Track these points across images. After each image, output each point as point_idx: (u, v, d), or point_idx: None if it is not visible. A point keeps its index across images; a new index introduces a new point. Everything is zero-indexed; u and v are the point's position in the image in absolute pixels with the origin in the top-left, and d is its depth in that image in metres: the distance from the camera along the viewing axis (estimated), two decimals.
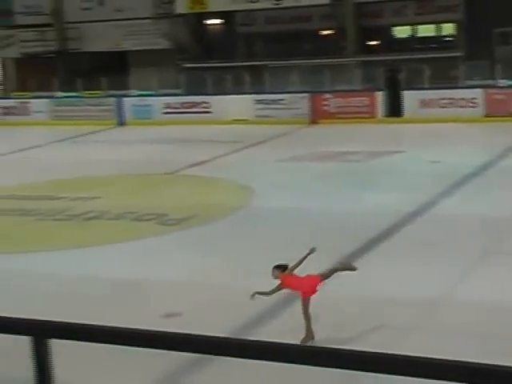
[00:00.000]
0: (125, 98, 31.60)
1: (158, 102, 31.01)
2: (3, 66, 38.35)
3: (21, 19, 36.19)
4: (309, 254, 8.57)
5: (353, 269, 8.98)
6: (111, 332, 2.65)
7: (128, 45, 34.85)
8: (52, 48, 35.71)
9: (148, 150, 24.58)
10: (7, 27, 36.58)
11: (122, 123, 31.11)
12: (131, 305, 10.00)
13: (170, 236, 13.94)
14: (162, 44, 34.01)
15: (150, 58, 33.91)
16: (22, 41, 36.01)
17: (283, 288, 8.53)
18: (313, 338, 8.39)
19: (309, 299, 8.33)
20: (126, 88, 32.44)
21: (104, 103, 31.73)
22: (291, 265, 8.53)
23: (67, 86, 33.41)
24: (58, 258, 12.81)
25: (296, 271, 8.52)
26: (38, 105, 32.67)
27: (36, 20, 35.92)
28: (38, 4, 35.92)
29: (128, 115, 31.27)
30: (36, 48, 35.82)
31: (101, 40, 34.72)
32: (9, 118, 32.81)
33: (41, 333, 2.67)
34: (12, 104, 33.29)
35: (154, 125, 29.93)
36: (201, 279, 11.08)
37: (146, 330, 2.63)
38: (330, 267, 8.98)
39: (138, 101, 31.34)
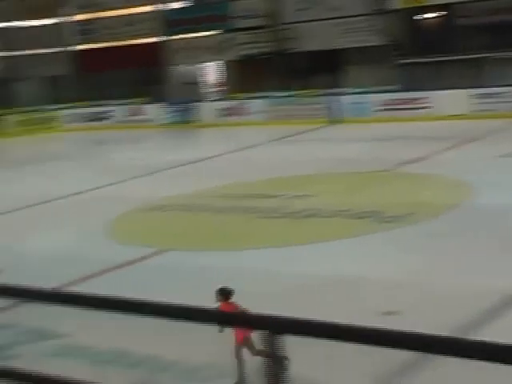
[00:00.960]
0: (340, 96, 31.84)
1: (373, 99, 30.96)
2: (223, 68, 39.88)
3: (239, 23, 37.50)
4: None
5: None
6: (341, 329, 2.69)
7: (343, 43, 35.08)
8: (269, 49, 36.67)
9: (363, 148, 24.62)
10: (227, 31, 38.04)
11: (337, 121, 31.38)
12: (349, 303, 10.10)
13: (386, 234, 13.90)
14: (377, 41, 33.91)
15: (365, 56, 33.91)
16: (240, 43, 37.26)
17: None
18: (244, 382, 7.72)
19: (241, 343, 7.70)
20: (341, 86, 32.67)
21: (319, 102, 32.15)
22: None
23: (284, 85, 34.17)
24: (276, 256, 13.18)
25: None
26: (256, 105, 33.69)
27: (253, 23, 37.06)
28: (254, 7, 37.04)
29: (343, 113, 31.47)
30: (253, 50, 36.93)
31: (316, 39, 35.20)
32: (229, 119, 34.11)
33: (275, 328, 2.78)
34: (232, 105, 34.58)
35: (368, 122, 29.92)
36: (419, 278, 10.98)
37: (376, 328, 2.65)
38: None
39: (354, 98, 31.45)
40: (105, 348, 9.11)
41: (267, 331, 2.76)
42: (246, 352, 7.81)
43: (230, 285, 11.36)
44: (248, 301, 9.55)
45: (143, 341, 8.97)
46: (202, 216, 16.88)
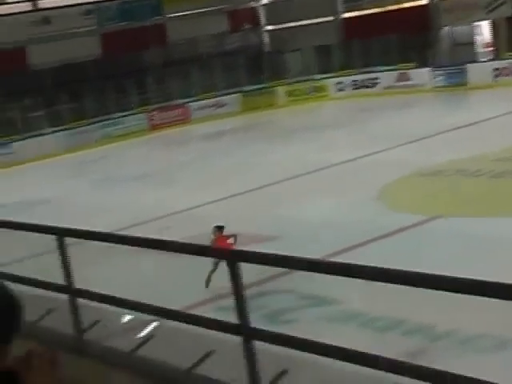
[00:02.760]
0: None
1: None
2: (494, 26, 38.26)
3: None
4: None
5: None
6: None
7: None
8: None
9: None
10: None
11: None
12: None
13: None
14: None
15: None
16: None
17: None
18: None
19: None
20: None
21: None
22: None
23: None
24: None
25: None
26: None
27: None
28: None
29: None
30: None
31: None
32: (502, 79, 32.73)
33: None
34: (503, 65, 33.12)
35: None
36: None
37: None
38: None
39: None
40: (378, 315, 9.14)
41: None
42: None
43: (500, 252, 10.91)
44: None
45: (418, 309, 8.88)
46: (477, 181, 16.38)
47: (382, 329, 8.90)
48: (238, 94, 38.54)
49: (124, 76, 35.55)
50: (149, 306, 5.23)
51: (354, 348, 3.96)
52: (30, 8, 37.26)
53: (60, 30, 36.37)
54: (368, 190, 16.57)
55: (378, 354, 3.85)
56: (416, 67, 35.89)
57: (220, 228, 11.68)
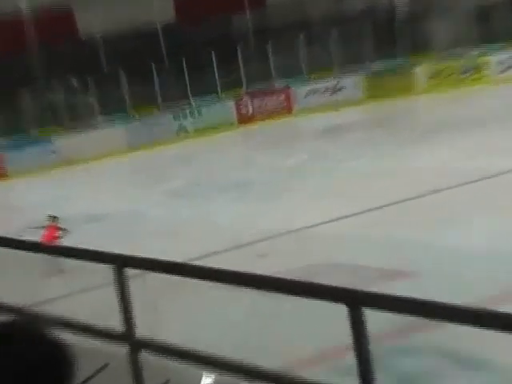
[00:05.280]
0: None
1: None
2: None
3: None
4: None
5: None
6: None
7: None
8: None
9: None
10: None
11: None
12: None
13: None
14: None
15: None
16: None
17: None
18: None
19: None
20: None
21: None
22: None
23: None
24: None
25: None
26: None
27: None
28: None
29: None
30: None
31: None
32: None
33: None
34: None
35: None
36: None
37: None
38: None
39: None
40: None
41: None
42: None
43: None
44: None
45: None
46: None
47: None
48: (361, 75, 38.52)
49: (204, 49, 35.76)
50: (237, 363, 5.29)
51: None
52: None
53: None
54: None
55: None
56: None
57: (55, 218, 17.31)
